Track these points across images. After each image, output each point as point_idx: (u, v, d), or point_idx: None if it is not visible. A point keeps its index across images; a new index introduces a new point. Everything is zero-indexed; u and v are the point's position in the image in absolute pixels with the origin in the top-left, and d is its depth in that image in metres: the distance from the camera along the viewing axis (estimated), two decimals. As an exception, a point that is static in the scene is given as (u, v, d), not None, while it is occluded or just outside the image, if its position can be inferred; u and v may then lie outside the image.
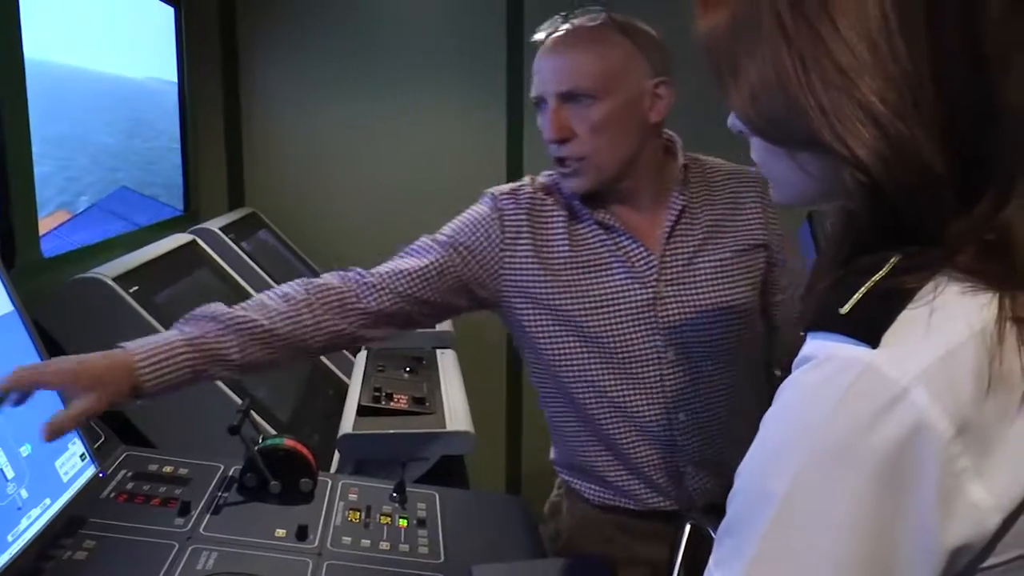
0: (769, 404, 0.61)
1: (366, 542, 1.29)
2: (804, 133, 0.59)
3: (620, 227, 1.32)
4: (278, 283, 2.46)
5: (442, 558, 1.28)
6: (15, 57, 1.63)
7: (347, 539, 1.28)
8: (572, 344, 1.33)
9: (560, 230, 1.33)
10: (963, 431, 0.53)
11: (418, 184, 3.12)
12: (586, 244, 1.33)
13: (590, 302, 1.31)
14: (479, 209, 1.37)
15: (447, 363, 2.33)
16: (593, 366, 1.33)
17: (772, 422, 0.59)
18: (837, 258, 0.63)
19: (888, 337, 0.55)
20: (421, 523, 1.38)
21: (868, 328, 0.55)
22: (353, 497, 1.42)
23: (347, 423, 1.83)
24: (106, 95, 2.23)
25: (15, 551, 1.03)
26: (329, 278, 1.29)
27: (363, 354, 2.37)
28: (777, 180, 0.69)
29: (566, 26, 1.28)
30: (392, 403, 1.94)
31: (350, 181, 3.16)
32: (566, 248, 1.33)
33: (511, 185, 1.39)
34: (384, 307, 1.28)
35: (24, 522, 1.07)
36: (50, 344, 1.53)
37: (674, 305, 1.32)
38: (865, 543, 0.53)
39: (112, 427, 1.47)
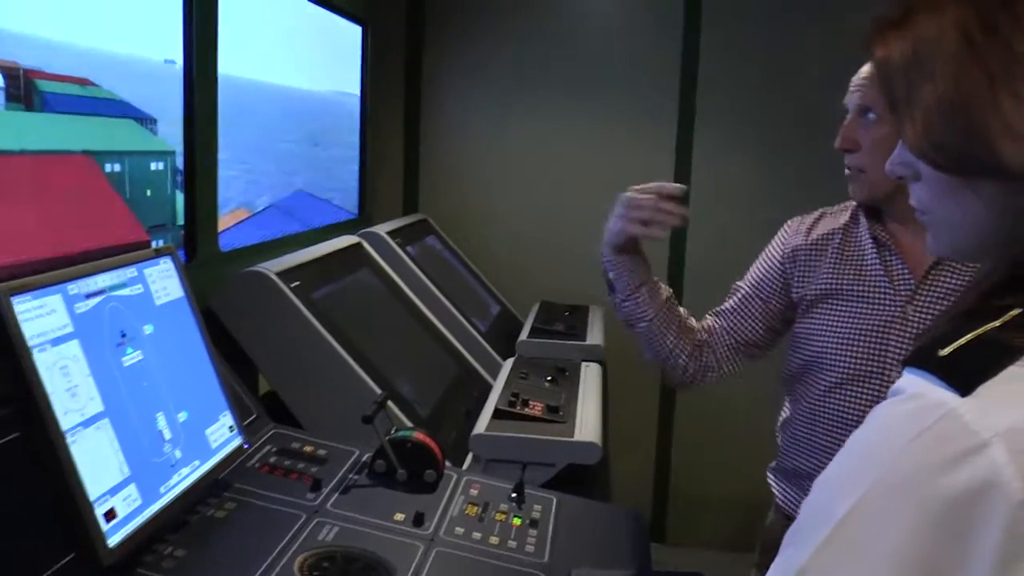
0: None
1: (477, 535, 1.35)
2: (984, 157, 0.58)
3: (890, 244, 1.35)
4: (437, 286, 2.62)
5: (546, 558, 1.33)
6: (210, 74, 1.84)
7: (460, 530, 1.35)
8: (815, 348, 1.42)
9: (836, 239, 1.43)
10: None
11: (583, 200, 3.18)
12: (857, 252, 1.38)
13: (840, 306, 1.38)
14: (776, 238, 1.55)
15: (590, 376, 2.36)
16: (825, 368, 1.40)
17: (851, 445, 0.60)
18: (962, 305, 0.61)
19: (985, 389, 0.54)
20: (533, 523, 1.43)
21: (963, 375, 0.54)
22: (474, 492, 1.49)
23: (481, 424, 1.91)
24: (291, 107, 2.45)
25: (166, 502, 1.18)
26: (709, 322, 1.60)
27: (510, 361, 2.45)
28: (940, 224, 0.66)
29: None
30: (527, 409, 2.00)
31: (519, 194, 3.29)
32: (837, 254, 1.41)
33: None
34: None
35: (175, 478, 1.21)
36: (220, 328, 1.71)
37: (912, 332, 1.31)
38: None
39: (266, 408, 1.62)
